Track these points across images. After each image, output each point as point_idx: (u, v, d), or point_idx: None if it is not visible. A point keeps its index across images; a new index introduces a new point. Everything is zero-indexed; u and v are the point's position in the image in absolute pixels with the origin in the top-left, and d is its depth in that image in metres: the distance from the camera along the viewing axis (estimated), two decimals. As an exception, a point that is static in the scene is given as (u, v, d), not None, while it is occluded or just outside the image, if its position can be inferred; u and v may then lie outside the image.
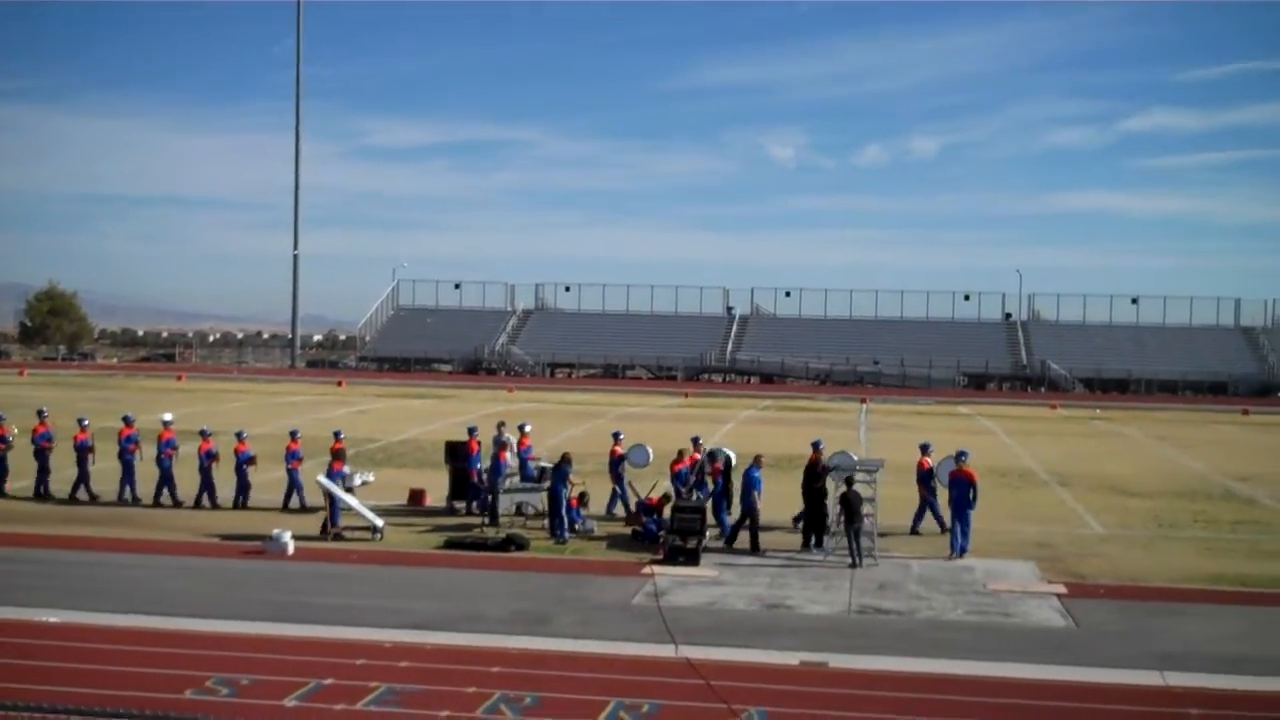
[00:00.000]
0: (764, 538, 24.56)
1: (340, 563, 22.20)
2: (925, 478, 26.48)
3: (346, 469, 26.04)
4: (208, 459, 27.51)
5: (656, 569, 21.97)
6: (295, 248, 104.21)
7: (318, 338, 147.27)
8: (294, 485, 27.42)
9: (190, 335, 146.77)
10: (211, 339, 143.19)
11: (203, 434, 28.19)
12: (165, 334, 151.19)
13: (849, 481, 23.34)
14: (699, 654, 16.59)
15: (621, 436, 28.95)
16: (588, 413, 56.63)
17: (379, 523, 24.66)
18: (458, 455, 28.18)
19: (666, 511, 24.40)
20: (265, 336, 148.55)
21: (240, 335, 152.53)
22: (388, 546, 23.85)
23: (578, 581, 20.93)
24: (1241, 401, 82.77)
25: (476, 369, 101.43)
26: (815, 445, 25.92)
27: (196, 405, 52.99)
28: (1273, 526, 28.20)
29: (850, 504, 22.83)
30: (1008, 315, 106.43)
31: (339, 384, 78.40)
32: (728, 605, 19.59)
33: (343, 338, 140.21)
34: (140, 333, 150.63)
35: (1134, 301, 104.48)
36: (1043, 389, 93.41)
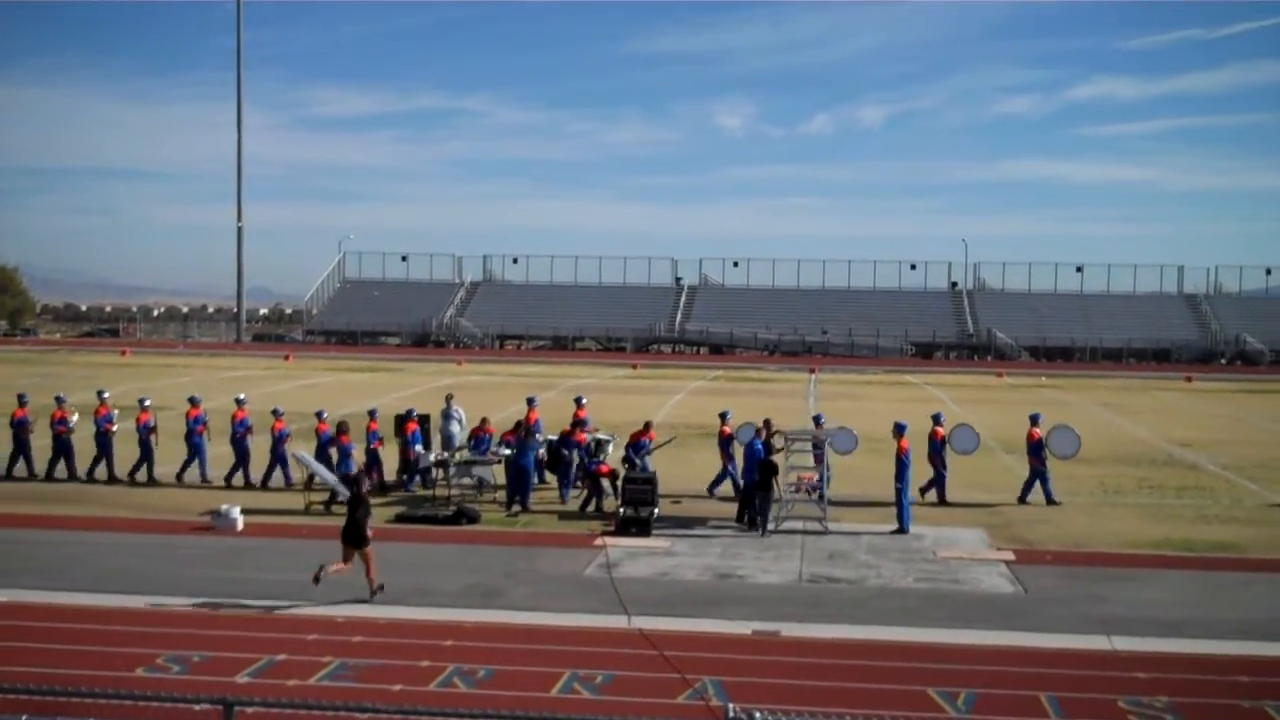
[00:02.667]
0: (711, 507, 24.66)
1: (291, 537, 22.09)
2: (1036, 449, 26.74)
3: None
4: (196, 424, 27.59)
5: (608, 540, 22.01)
6: (239, 220, 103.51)
7: (264, 311, 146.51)
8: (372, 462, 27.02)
9: (134, 310, 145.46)
10: (156, 313, 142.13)
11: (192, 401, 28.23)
12: (109, 309, 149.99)
13: (769, 450, 23.62)
14: (652, 624, 16.64)
15: (536, 401, 28.89)
16: (537, 384, 56.48)
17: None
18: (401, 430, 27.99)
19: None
20: (210, 311, 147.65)
21: (185, 309, 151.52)
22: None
23: (530, 554, 20.93)
24: (1185, 368, 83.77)
25: (425, 342, 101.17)
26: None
27: (141, 381, 52.46)
28: (1216, 492, 28.58)
29: (765, 475, 22.99)
30: (954, 284, 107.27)
31: (286, 358, 77.84)
32: (680, 576, 19.65)
33: (289, 311, 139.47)
34: (83, 308, 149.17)
35: (1078, 270, 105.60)
36: (989, 357, 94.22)
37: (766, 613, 17.34)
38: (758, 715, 7.66)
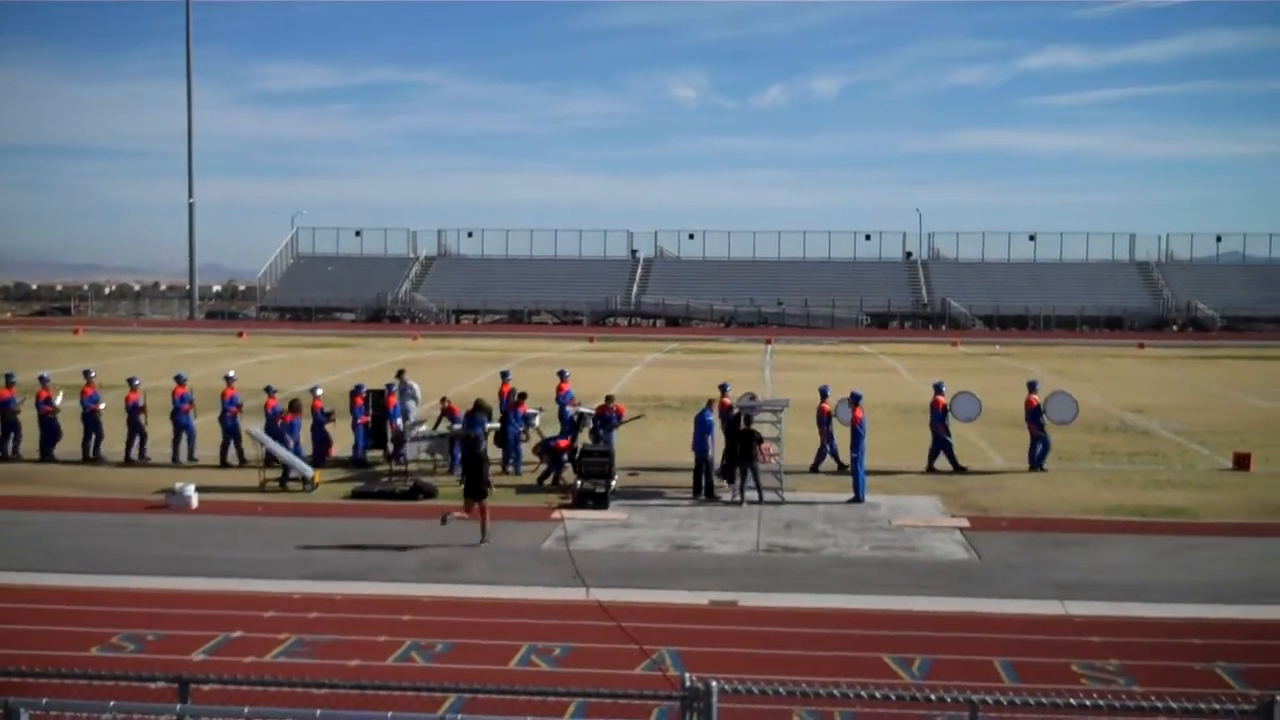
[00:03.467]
0: (670, 479, 24.73)
1: (246, 515, 21.98)
2: (1034, 415, 27.10)
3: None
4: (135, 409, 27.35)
5: (566, 513, 22.02)
6: (190, 196, 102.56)
7: (217, 288, 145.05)
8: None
9: (86, 288, 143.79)
10: (108, 291, 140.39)
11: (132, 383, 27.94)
12: (60, 287, 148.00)
13: (747, 420, 23.56)
14: (610, 596, 16.67)
15: (510, 375, 28.85)
16: (494, 359, 56.34)
17: (309, 472, 24.54)
18: (375, 405, 27.84)
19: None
20: (163, 288, 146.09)
21: (137, 287, 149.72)
22: (293, 498, 23.66)
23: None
24: (1137, 335, 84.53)
25: (380, 317, 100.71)
26: (723, 388, 26.18)
27: (94, 360, 51.98)
28: (1168, 457, 28.89)
29: (745, 445, 23.04)
30: (908, 254, 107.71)
31: (239, 335, 77.33)
32: (637, 547, 19.69)
33: (242, 288, 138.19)
34: (34, 286, 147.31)
35: (1031, 239, 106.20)
36: (943, 326, 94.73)
37: (724, 583, 17.41)
38: (714, 685, 7.68)
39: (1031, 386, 27.69)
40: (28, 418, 27.95)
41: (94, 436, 27.64)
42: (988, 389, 32.26)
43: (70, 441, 27.62)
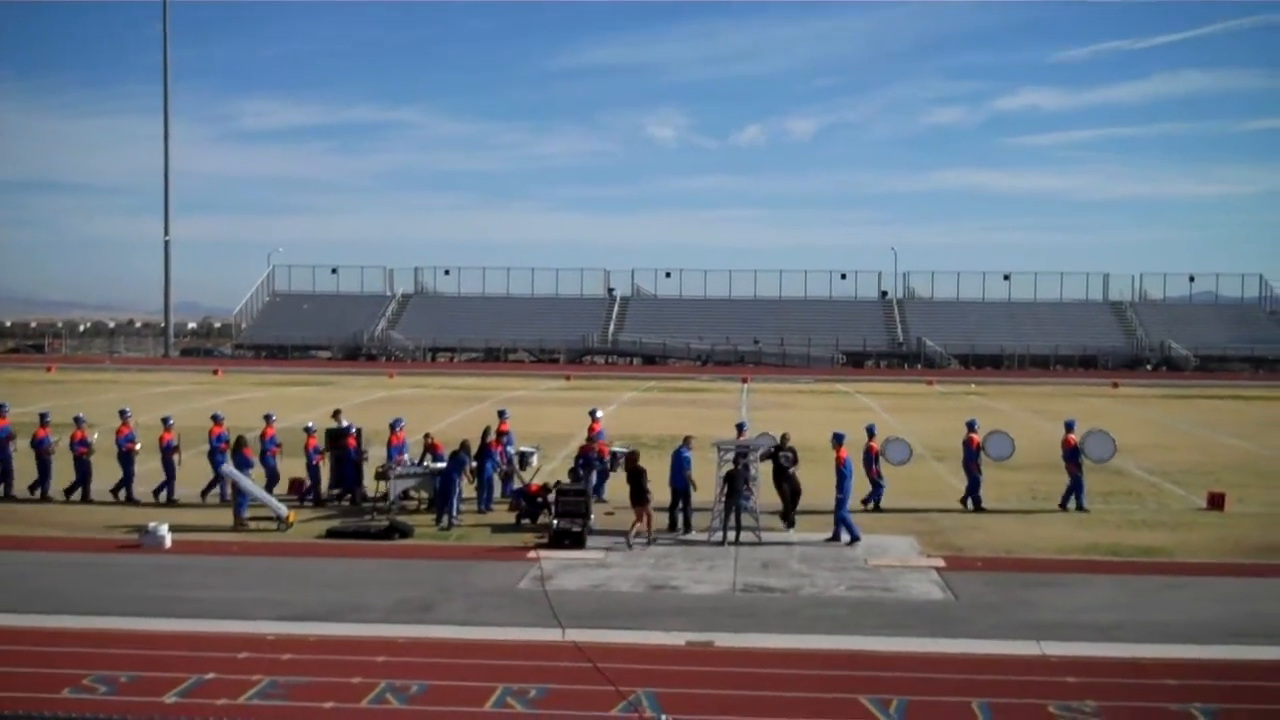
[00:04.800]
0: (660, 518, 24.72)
1: (220, 555, 21.84)
2: (1072, 455, 27.17)
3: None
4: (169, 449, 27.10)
5: (542, 553, 21.94)
6: (166, 233, 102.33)
7: (192, 326, 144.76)
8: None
9: (60, 325, 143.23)
10: (82, 329, 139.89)
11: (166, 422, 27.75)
12: (34, 324, 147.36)
13: (737, 460, 23.58)
14: (586, 637, 16.60)
15: (507, 414, 28.82)
16: (470, 397, 56.35)
17: (283, 511, 24.42)
18: (339, 444, 27.76)
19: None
20: (138, 325, 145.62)
21: (112, 324, 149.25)
22: (268, 538, 23.52)
23: (463, 567, 20.83)
24: (1111, 374, 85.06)
25: (356, 355, 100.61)
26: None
27: (68, 397, 51.74)
28: (1143, 497, 28.97)
29: (734, 482, 23.09)
30: (884, 293, 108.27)
31: (215, 372, 77.02)
32: (613, 587, 19.63)
33: (218, 325, 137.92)
34: (7, 323, 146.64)
35: (1006, 278, 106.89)
36: (919, 365, 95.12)
37: (700, 623, 17.36)
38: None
39: (1069, 426, 27.80)
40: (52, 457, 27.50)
41: (126, 477, 27.17)
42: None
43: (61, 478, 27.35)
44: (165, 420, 27.94)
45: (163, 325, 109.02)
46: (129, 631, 16.78)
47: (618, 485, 27.50)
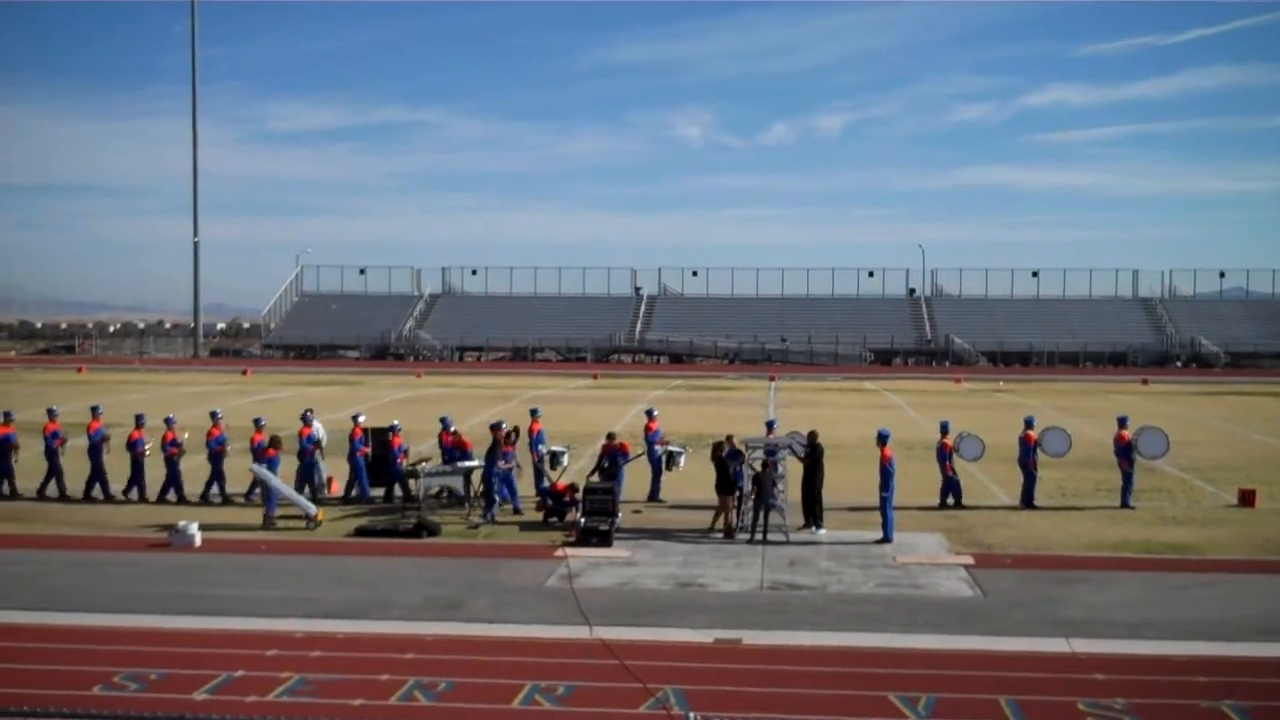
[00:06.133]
0: (674, 515, 24.70)
1: (249, 553, 21.94)
2: (1124, 451, 27.24)
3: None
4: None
5: (569, 551, 21.97)
6: (195, 235, 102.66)
7: (221, 326, 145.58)
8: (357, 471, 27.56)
9: (90, 326, 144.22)
10: (112, 329, 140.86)
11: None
12: (64, 325, 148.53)
13: (765, 463, 23.59)
14: (613, 634, 16.62)
15: (540, 413, 28.83)
16: (498, 395, 56.42)
17: (313, 510, 24.51)
18: (378, 444, 27.69)
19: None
20: (167, 326, 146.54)
21: (141, 325, 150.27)
22: (297, 536, 23.61)
23: (490, 565, 20.87)
24: (1141, 371, 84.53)
25: (384, 354, 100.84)
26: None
27: (98, 397, 52.02)
28: (1173, 493, 28.81)
29: (761, 485, 23.05)
30: (911, 291, 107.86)
31: (244, 373, 77.35)
32: (641, 585, 19.63)
33: (246, 326, 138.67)
34: (38, 324, 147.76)
35: (1034, 275, 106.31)
36: (947, 363, 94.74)
37: (728, 620, 17.35)
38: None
39: (1122, 422, 27.76)
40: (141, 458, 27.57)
41: (216, 478, 27.26)
42: (992, 426, 32.24)
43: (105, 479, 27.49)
44: (214, 415, 27.80)
45: (192, 326, 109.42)
46: (159, 629, 16.87)
47: (633, 483, 27.57)
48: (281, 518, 24.68)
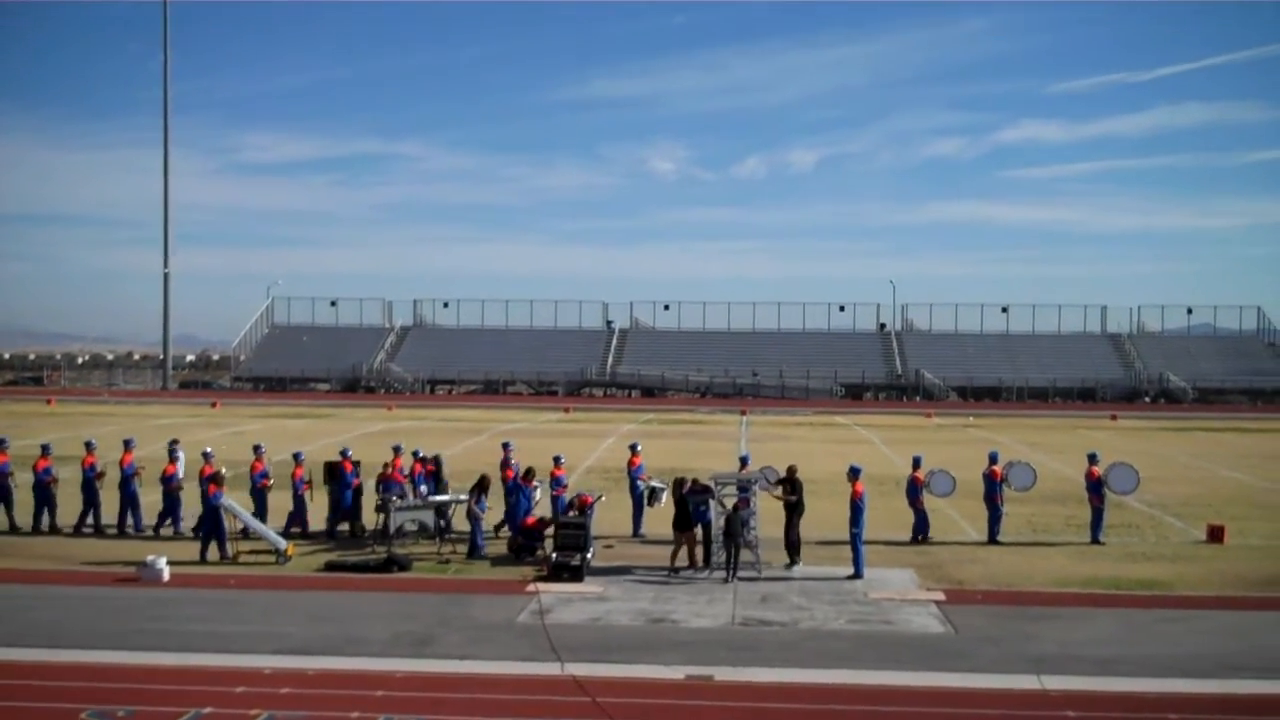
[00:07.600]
0: (647, 550, 24.66)
1: (218, 588, 21.79)
2: (1095, 487, 27.26)
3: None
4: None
5: (541, 586, 21.91)
6: (166, 266, 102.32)
7: (191, 358, 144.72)
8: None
9: (59, 357, 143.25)
10: (81, 361, 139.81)
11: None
12: (32, 356, 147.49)
13: (737, 502, 23.59)
14: (585, 671, 16.57)
15: (639, 447, 29.14)
16: (469, 429, 56.33)
17: (282, 545, 24.37)
18: (336, 476, 27.64)
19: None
20: (137, 358, 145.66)
21: (111, 356, 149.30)
22: (266, 571, 23.47)
23: (461, 601, 20.79)
24: (1109, 407, 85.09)
25: (355, 387, 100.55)
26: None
27: (67, 429, 51.70)
28: (1142, 529, 28.94)
29: (730, 524, 23.00)
30: (882, 325, 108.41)
31: (213, 405, 77.01)
32: (613, 621, 19.59)
33: (216, 358, 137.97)
34: (6, 355, 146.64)
35: (1004, 310, 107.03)
36: (917, 398, 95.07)
37: (700, 657, 17.33)
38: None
39: (1092, 459, 27.89)
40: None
41: (171, 511, 27.19)
42: (961, 461, 32.32)
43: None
44: (206, 454, 26.75)
45: (161, 357, 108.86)
46: (127, 665, 16.73)
47: (616, 518, 27.56)
48: (251, 552, 24.53)
